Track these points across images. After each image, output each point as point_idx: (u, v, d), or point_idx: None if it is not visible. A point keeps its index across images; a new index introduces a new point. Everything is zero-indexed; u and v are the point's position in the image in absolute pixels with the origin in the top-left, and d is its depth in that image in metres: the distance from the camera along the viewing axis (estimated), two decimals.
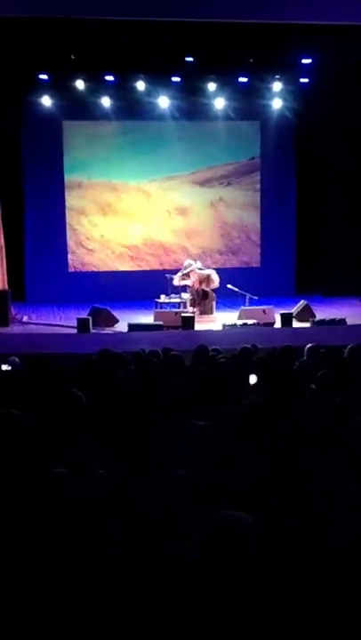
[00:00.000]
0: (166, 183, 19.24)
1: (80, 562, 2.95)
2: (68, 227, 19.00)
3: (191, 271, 15.64)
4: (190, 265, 15.81)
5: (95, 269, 19.16)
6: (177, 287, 15.73)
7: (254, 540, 1.99)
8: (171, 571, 2.51)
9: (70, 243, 19.06)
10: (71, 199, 18.97)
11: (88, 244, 19.17)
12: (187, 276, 15.68)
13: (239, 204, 19.69)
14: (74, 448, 4.61)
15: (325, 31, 14.62)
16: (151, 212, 19.31)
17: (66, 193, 18.89)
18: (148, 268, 19.16)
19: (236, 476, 3.93)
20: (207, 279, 15.64)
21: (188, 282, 15.66)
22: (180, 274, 15.77)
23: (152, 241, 19.37)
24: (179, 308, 15.34)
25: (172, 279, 15.73)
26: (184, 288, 15.76)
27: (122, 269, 19.20)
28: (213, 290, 15.71)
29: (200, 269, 15.81)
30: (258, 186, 19.64)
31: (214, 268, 16.58)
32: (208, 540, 2.01)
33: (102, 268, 19.18)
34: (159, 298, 15.67)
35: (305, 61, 16.71)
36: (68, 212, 18.97)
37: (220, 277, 15.83)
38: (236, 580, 1.97)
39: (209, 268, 16.62)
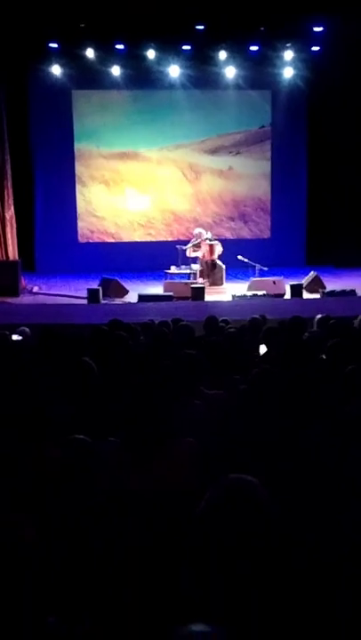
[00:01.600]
0: (176, 151, 19.17)
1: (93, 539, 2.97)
2: (78, 195, 18.97)
3: (202, 241, 15.61)
4: (200, 234, 15.76)
5: (105, 239, 19.15)
6: (187, 258, 15.71)
7: (267, 504, 2.01)
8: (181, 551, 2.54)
9: (80, 211, 19.05)
10: (81, 167, 18.94)
11: (98, 212, 19.15)
12: (197, 247, 15.65)
13: (249, 172, 19.61)
14: (86, 418, 4.64)
15: None
16: (161, 180, 19.26)
17: (76, 161, 18.85)
18: (158, 237, 19.15)
19: (247, 444, 3.96)
20: (214, 249, 15.61)
21: (198, 253, 15.64)
22: (190, 244, 15.74)
23: (162, 209, 19.35)
24: (189, 278, 15.32)
25: (182, 250, 15.71)
26: (195, 259, 15.74)
27: (132, 239, 19.18)
28: (218, 257, 15.66)
29: (210, 240, 15.75)
30: (268, 154, 19.54)
31: (225, 239, 16.53)
32: (216, 501, 2.03)
33: (112, 239, 19.18)
34: (169, 269, 15.66)
35: (316, 29, 16.51)
36: (77, 181, 18.94)
37: (230, 249, 15.80)
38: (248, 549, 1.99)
39: (220, 236, 16.56)
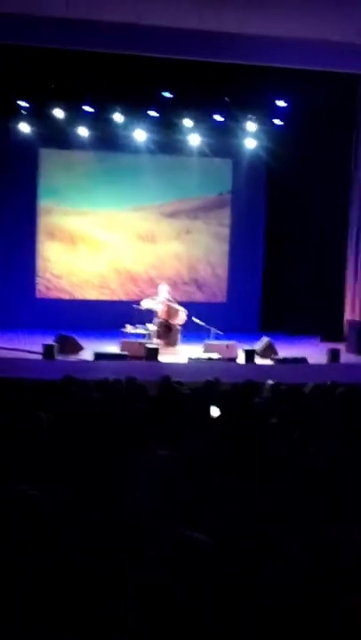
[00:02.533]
0: (136, 213, 19.39)
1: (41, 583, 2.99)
2: (37, 252, 19.06)
3: (163, 301, 15.76)
4: (162, 289, 15.93)
5: (62, 296, 19.20)
6: (142, 314, 15.78)
7: (215, 561, 2.09)
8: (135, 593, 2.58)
9: (38, 268, 19.11)
10: (41, 225, 19.06)
11: (55, 270, 19.23)
12: (157, 303, 15.79)
13: (206, 237, 19.90)
14: (36, 472, 4.66)
15: (300, 75, 14.99)
16: (119, 241, 19.43)
17: (37, 218, 18.97)
18: (113, 297, 19.24)
19: (195, 504, 4.02)
20: (175, 314, 15.71)
21: (156, 307, 15.71)
22: (150, 298, 15.89)
23: (119, 270, 19.49)
24: (144, 338, 15.41)
25: (138, 310, 15.82)
26: (150, 318, 15.82)
27: (88, 297, 19.26)
28: (180, 325, 15.77)
29: (170, 301, 15.87)
30: (226, 221, 19.89)
31: (181, 302, 16.63)
32: (170, 558, 2.10)
33: (69, 296, 19.23)
34: (125, 328, 15.73)
35: (279, 104, 17.04)
36: (38, 238, 19.04)
37: (186, 310, 15.92)
38: (200, 602, 2.06)
39: (175, 299, 16.65)
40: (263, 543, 3.14)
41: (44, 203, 18.97)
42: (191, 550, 2.15)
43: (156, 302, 15.88)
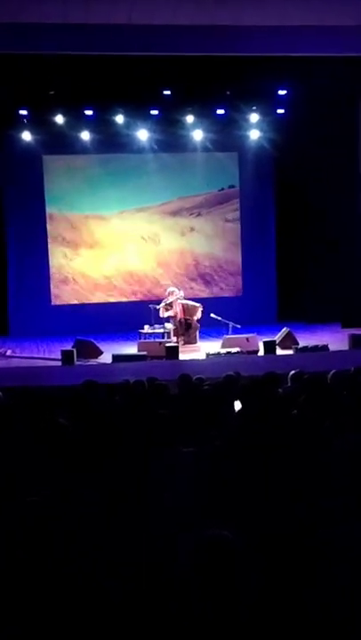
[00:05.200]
0: (140, 214, 19.41)
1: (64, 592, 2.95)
2: (50, 260, 19.06)
3: (174, 301, 15.65)
4: (173, 292, 15.79)
5: (78, 302, 19.19)
6: (161, 317, 15.75)
7: (240, 557, 2.03)
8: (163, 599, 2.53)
9: (52, 275, 19.11)
10: (52, 233, 19.06)
11: (67, 275, 19.23)
12: (170, 306, 15.68)
13: (210, 233, 19.85)
14: (60, 478, 4.62)
15: (300, 63, 14.89)
16: (125, 243, 19.44)
17: (47, 226, 18.97)
18: (122, 298, 19.26)
19: (224, 500, 3.96)
20: (191, 310, 15.57)
21: (171, 312, 15.65)
22: (163, 304, 15.79)
23: (125, 272, 19.52)
24: (163, 338, 15.36)
25: (155, 309, 15.76)
26: (167, 318, 15.77)
27: (103, 301, 19.25)
28: (197, 320, 15.66)
29: (184, 299, 15.78)
30: (230, 216, 19.84)
31: (193, 299, 16.54)
32: (193, 559, 2.04)
33: (83, 300, 19.22)
34: (143, 328, 15.70)
35: (281, 92, 16.95)
36: (50, 246, 19.04)
37: (201, 305, 15.83)
38: (226, 599, 2.01)
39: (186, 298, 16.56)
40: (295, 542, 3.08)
41: (52, 210, 18.98)
42: (216, 548, 2.09)
43: (169, 305, 15.70)
